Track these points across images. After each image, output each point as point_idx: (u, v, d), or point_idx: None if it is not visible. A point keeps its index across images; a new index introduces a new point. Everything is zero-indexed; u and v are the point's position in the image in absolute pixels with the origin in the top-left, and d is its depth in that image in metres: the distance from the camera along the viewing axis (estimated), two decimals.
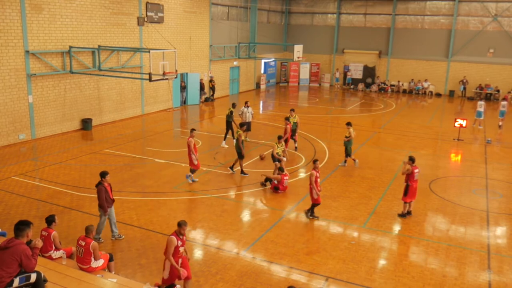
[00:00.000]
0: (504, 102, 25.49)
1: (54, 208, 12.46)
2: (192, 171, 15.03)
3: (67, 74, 20.82)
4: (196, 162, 14.87)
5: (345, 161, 17.46)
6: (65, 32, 20.51)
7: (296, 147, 19.30)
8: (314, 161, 12.78)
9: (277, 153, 15.44)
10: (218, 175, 15.93)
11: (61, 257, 8.75)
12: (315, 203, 12.54)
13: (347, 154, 17.31)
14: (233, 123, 19.85)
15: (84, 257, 8.30)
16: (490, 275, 9.89)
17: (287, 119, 18.75)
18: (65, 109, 21.11)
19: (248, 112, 20.50)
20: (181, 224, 8.24)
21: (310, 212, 12.59)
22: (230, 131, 19.96)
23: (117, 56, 23.48)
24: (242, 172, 15.98)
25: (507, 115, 25.22)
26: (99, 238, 10.77)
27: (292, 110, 19.54)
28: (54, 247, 8.73)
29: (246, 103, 20.92)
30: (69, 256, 8.98)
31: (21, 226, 6.93)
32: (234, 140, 16.35)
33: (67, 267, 8.34)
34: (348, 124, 17.23)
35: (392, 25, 39.21)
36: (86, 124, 21.92)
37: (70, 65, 20.71)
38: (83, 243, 8.35)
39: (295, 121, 19.09)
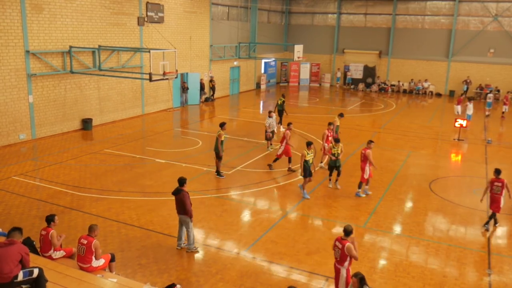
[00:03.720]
0: (490, 95, 28.97)
1: (54, 208, 12.46)
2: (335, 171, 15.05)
3: (67, 74, 20.82)
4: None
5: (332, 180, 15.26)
6: (66, 32, 20.52)
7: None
8: (336, 140, 14.37)
9: (310, 163, 13.84)
10: None
11: (61, 257, 8.75)
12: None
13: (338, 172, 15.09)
14: (284, 112, 23.03)
15: (85, 256, 8.30)
16: (491, 275, 9.89)
17: (330, 124, 17.68)
18: (65, 109, 21.11)
19: (273, 122, 19.52)
20: None
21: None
22: (280, 118, 23.04)
23: (118, 56, 23.48)
24: (217, 173, 15.59)
25: (495, 110, 25.31)
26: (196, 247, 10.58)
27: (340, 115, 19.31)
28: (52, 246, 8.70)
29: (269, 112, 19.83)
30: (70, 256, 8.98)
31: (16, 229, 7.60)
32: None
33: (67, 267, 8.34)
34: (337, 141, 14.81)
35: (392, 25, 39.20)
36: (86, 124, 21.92)
37: (71, 65, 20.71)
38: (85, 242, 8.34)
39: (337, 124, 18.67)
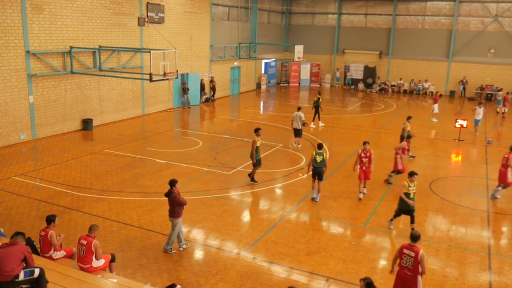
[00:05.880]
0: (500, 92, 30.63)
1: (54, 209, 12.47)
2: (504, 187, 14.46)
3: (67, 74, 20.84)
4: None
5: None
6: (66, 32, 20.53)
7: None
8: (412, 173, 11.55)
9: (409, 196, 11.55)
10: (218, 175, 15.93)
11: (62, 257, 8.76)
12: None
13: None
14: (320, 108, 24.36)
15: (86, 256, 8.30)
16: (491, 275, 9.89)
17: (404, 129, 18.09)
18: (65, 109, 21.12)
19: (298, 117, 19.65)
20: None
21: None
22: (317, 115, 24.46)
23: (118, 57, 23.50)
24: (252, 179, 15.22)
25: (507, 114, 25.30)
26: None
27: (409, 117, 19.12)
28: (52, 247, 8.71)
29: (298, 109, 20.19)
30: (70, 256, 8.99)
31: (19, 233, 7.81)
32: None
33: (68, 268, 8.35)
34: (412, 174, 11.60)
35: (392, 26, 39.20)
36: (86, 124, 21.93)
37: (71, 65, 20.72)
38: (85, 242, 8.34)
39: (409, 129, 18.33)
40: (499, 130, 25.32)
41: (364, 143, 14.18)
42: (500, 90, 23.65)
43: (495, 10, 35.60)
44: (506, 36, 35.40)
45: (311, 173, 14.00)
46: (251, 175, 15.32)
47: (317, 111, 24.56)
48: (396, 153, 15.41)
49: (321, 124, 24.59)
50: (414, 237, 8.01)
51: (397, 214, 11.87)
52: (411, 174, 11.52)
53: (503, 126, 26.49)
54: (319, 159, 13.63)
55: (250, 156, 15.15)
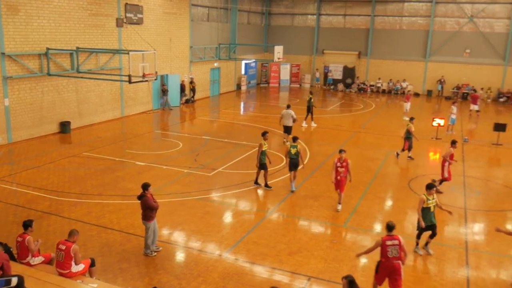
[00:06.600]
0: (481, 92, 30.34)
1: (32, 213, 12.24)
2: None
3: (44, 76, 20.48)
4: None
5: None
6: (42, 33, 20.18)
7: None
8: (430, 185, 10.56)
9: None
10: (199, 177, 15.87)
11: (40, 263, 8.61)
12: None
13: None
14: (312, 107, 24.40)
15: (65, 261, 8.18)
16: (468, 271, 10.09)
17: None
18: (42, 112, 20.76)
19: (288, 114, 19.82)
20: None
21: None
22: (309, 114, 24.52)
23: (96, 58, 23.20)
24: (265, 185, 14.84)
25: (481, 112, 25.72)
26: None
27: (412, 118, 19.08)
28: (29, 253, 8.55)
29: (288, 106, 20.41)
30: (49, 262, 8.84)
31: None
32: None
33: (46, 273, 8.21)
34: (430, 187, 10.60)
35: (371, 26, 39.65)
36: (64, 127, 21.59)
37: (48, 67, 20.38)
38: (64, 247, 8.21)
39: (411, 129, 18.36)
40: (470, 128, 25.81)
41: (340, 151, 13.03)
42: (455, 103, 24.09)
43: (470, 11, 36.34)
44: (481, 37, 36.16)
45: (287, 166, 14.53)
46: (256, 180, 15.01)
47: (309, 111, 24.57)
48: (444, 161, 14.88)
49: (313, 124, 24.63)
50: (391, 227, 8.51)
51: (421, 232, 10.71)
52: (430, 187, 10.46)
53: (477, 124, 27.02)
54: (293, 151, 14.29)
55: (259, 160, 14.69)
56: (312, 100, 24.49)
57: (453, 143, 15.00)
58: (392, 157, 19.01)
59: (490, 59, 36.19)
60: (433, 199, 10.40)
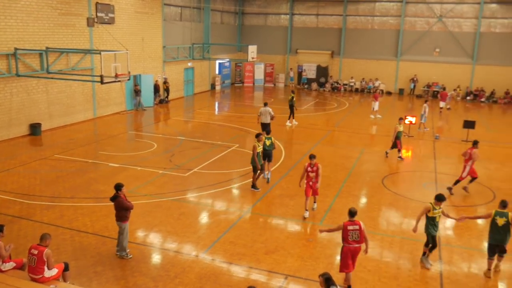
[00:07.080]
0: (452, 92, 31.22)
1: (2, 218, 11.90)
2: None
3: (13, 77, 19.95)
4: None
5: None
6: (10, 33, 19.64)
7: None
8: (439, 197, 10.25)
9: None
10: (174, 178, 15.74)
11: (11, 269, 8.38)
12: None
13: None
14: (294, 107, 24.59)
15: (37, 266, 7.99)
16: (441, 265, 10.32)
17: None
18: (11, 114, 20.21)
19: (266, 112, 19.92)
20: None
21: None
22: (291, 114, 24.76)
23: (67, 58, 22.74)
24: (252, 185, 14.76)
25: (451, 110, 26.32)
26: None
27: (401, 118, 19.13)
28: (0, 258, 8.33)
29: (265, 104, 20.53)
30: (20, 267, 8.62)
31: None
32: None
33: (18, 279, 8.01)
34: (440, 199, 10.26)
35: (343, 26, 40.12)
36: (34, 129, 21.07)
37: (16, 68, 19.85)
38: (36, 252, 8.02)
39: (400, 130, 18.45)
40: (440, 125, 26.41)
41: (311, 157, 12.76)
42: (427, 102, 24.66)
43: (439, 11, 37.19)
44: (450, 36, 37.05)
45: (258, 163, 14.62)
46: (252, 184, 14.89)
47: (291, 110, 24.71)
48: (467, 160, 14.83)
49: (294, 122, 24.97)
50: (353, 213, 9.05)
51: (431, 247, 10.43)
52: (439, 198, 10.12)
53: (448, 122, 27.67)
54: (268, 142, 15.11)
55: (251, 163, 14.59)
56: (294, 99, 24.65)
57: (475, 143, 14.99)
58: (366, 155, 19.27)
59: (459, 58, 37.13)
60: (439, 209, 10.16)
